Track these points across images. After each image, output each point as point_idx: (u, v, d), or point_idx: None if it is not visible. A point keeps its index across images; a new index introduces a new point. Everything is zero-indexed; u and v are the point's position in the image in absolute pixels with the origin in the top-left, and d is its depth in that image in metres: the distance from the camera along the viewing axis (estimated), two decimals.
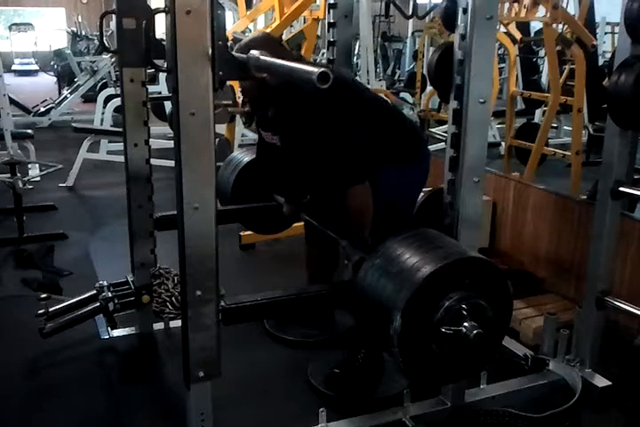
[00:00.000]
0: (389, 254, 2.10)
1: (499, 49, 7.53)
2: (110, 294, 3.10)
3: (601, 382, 2.75)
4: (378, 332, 2.09)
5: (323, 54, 7.18)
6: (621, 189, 2.58)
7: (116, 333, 3.25)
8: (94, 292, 3.16)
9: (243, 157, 3.36)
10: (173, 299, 3.40)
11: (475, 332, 1.96)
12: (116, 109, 7.13)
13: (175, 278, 3.50)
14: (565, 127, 7.59)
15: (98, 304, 3.11)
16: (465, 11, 2.11)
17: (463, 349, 2.03)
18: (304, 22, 5.12)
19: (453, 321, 1.98)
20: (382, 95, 4.66)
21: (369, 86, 5.55)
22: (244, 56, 1.92)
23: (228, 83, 4.40)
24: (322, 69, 1.56)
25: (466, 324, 1.97)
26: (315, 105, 2.46)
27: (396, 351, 1.99)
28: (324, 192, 2.85)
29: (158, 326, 3.26)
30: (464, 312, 1.97)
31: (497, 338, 2.19)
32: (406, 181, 2.67)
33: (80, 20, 14.80)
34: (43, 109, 9.35)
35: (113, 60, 8.43)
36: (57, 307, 3.11)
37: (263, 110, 2.73)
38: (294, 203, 3.09)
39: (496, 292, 2.08)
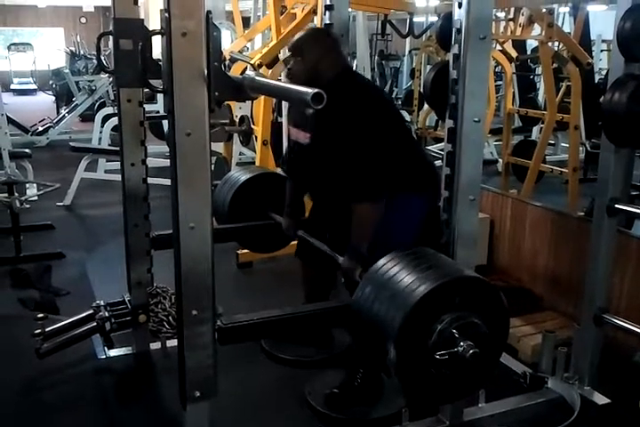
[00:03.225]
0: (380, 279, 2.11)
1: (495, 67, 7.58)
2: (107, 314, 3.09)
3: (600, 399, 2.75)
4: (375, 356, 2.08)
5: None
6: (617, 206, 2.59)
7: (113, 352, 3.23)
8: (91, 311, 3.15)
9: (240, 175, 3.37)
10: (170, 318, 3.40)
11: (471, 351, 1.95)
12: (114, 129, 7.13)
13: (172, 297, 3.51)
14: (563, 144, 7.62)
15: (94, 324, 3.10)
16: (459, 31, 2.13)
17: (461, 368, 2.02)
18: None
19: (448, 343, 1.97)
20: None
21: None
22: (240, 77, 1.93)
23: (226, 102, 4.43)
24: (315, 90, 1.57)
25: (462, 344, 1.96)
26: (360, 105, 2.49)
27: (395, 379, 2.00)
28: (335, 198, 2.77)
29: (155, 345, 3.24)
30: (457, 334, 1.97)
31: (495, 354, 2.17)
32: (415, 211, 2.67)
33: (78, 39, 14.90)
34: (41, 129, 9.37)
35: (111, 79, 8.47)
36: (53, 327, 3.11)
37: None
38: (294, 218, 3.09)
39: (489, 307, 2.07)
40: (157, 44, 1.95)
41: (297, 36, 2.76)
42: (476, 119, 2.19)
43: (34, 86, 16.39)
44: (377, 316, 2.04)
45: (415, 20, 6.28)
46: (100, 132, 7.76)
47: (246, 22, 6.11)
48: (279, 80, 4.56)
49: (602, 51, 9.64)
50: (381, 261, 2.16)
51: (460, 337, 1.97)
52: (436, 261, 2.16)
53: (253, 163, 5.22)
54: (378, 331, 2.03)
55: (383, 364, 2.03)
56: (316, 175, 2.78)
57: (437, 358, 1.97)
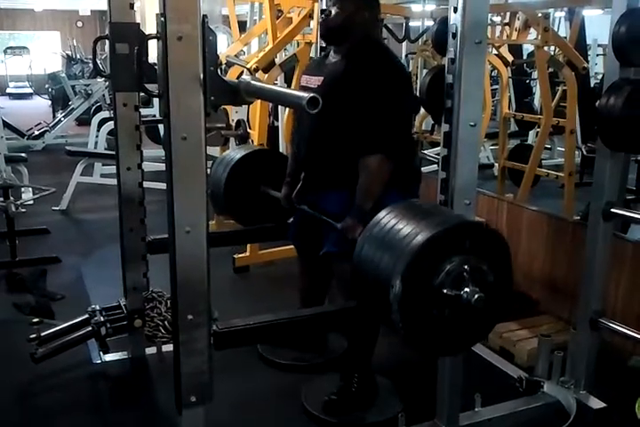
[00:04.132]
0: (386, 223, 2.04)
1: (491, 71, 7.59)
2: (102, 319, 3.09)
3: (596, 403, 2.74)
4: (378, 301, 2.00)
5: None
6: (613, 210, 2.59)
7: (108, 357, 3.23)
8: (86, 316, 3.14)
9: (235, 154, 3.33)
10: (166, 323, 3.39)
11: (476, 296, 1.88)
12: (110, 133, 7.11)
13: (168, 302, 3.49)
14: (559, 148, 7.62)
15: (90, 329, 3.10)
16: (454, 35, 2.13)
17: (464, 315, 1.95)
18: (297, 46, 5.16)
19: (454, 285, 1.91)
20: None
21: None
22: (236, 81, 1.93)
23: (222, 106, 4.42)
24: (311, 95, 1.57)
25: (467, 289, 1.90)
26: (390, 65, 2.61)
27: (397, 317, 1.91)
28: (338, 154, 2.68)
29: (151, 350, 3.24)
30: (465, 275, 1.91)
31: (497, 308, 2.08)
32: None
33: (75, 43, 14.90)
34: (37, 133, 9.36)
35: (107, 83, 8.46)
36: (49, 331, 3.10)
37: (328, 43, 2.78)
38: (293, 188, 2.97)
39: (496, 257, 2.02)
40: (153, 48, 1.94)
41: None
42: (472, 123, 2.19)
43: (30, 90, 16.40)
44: (384, 254, 1.97)
45: (411, 24, 6.29)
46: (96, 137, 7.74)
47: (242, 26, 6.09)
48: (275, 84, 4.56)
49: (597, 55, 9.64)
50: (383, 211, 2.09)
51: (467, 280, 1.91)
52: (441, 211, 2.14)
53: None
54: (383, 270, 1.96)
55: (385, 312, 1.95)
56: (322, 124, 2.66)
57: (442, 299, 1.91)
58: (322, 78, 2.68)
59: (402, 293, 1.88)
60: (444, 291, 1.91)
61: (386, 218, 2.06)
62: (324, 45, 3.22)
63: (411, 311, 1.93)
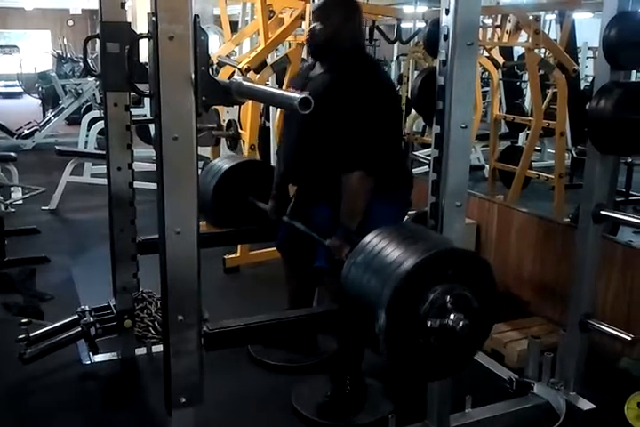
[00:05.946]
0: (371, 250, 2.06)
1: (482, 73, 7.61)
2: (92, 319, 3.07)
3: (585, 405, 2.75)
4: (364, 329, 2.04)
5: None
6: (603, 212, 2.60)
7: (98, 358, 3.21)
8: (76, 316, 3.13)
9: (223, 164, 3.32)
10: (156, 323, 3.38)
11: (461, 324, 1.91)
12: (101, 132, 7.09)
13: (158, 303, 3.49)
14: (549, 150, 7.65)
15: (79, 329, 3.08)
16: (446, 37, 2.13)
17: (449, 341, 1.97)
18: (289, 46, 5.16)
19: (440, 313, 1.93)
20: None
21: None
22: (227, 81, 1.93)
23: (213, 106, 4.42)
24: (303, 95, 1.57)
25: (452, 316, 1.92)
26: (370, 79, 2.58)
27: (383, 348, 1.94)
28: (320, 176, 2.69)
29: (140, 350, 3.23)
30: (449, 304, 1.93)
31: (482, 332, 2.12)
32: (389, 212, 2.64)
33: (65, 42, 14.86)
34: (26, 132, 9.32)
35: (97, 82, 8.44)
36: (38, 332, 3.08)
37: (317, 59, 2.74)
38: (279, 202, 3.00)
39: (480, 282, 2.03)
40: (144, 47, 1.94)
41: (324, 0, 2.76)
42: (463, 125, 2.19)
43: (20, 89, 16.29)
44: (368, 283, 1.99)
45: (403, 25, 6.30)
46: (87, 136, 7.71)
47: (234, 27, 6.08)
48: (267, 85, 4.56)
49: (588, 58, 9.68)
50: (370, 235, 2.11)
51: (451, 308, 1.93)
52: (425, 235, 2.14)
53: None
54: (367, 302, 1.98)
55: (372, 338, 1.97)
56: (305, 140, 2.69)
57: (427, 327, 1.92)
58: (307, 93, 2.66)
59: (386, 325, 1.90)
60: (429, 322, 1.92)
61: (370, 244, 2.08)
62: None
63: (396, 341, 1.95)
